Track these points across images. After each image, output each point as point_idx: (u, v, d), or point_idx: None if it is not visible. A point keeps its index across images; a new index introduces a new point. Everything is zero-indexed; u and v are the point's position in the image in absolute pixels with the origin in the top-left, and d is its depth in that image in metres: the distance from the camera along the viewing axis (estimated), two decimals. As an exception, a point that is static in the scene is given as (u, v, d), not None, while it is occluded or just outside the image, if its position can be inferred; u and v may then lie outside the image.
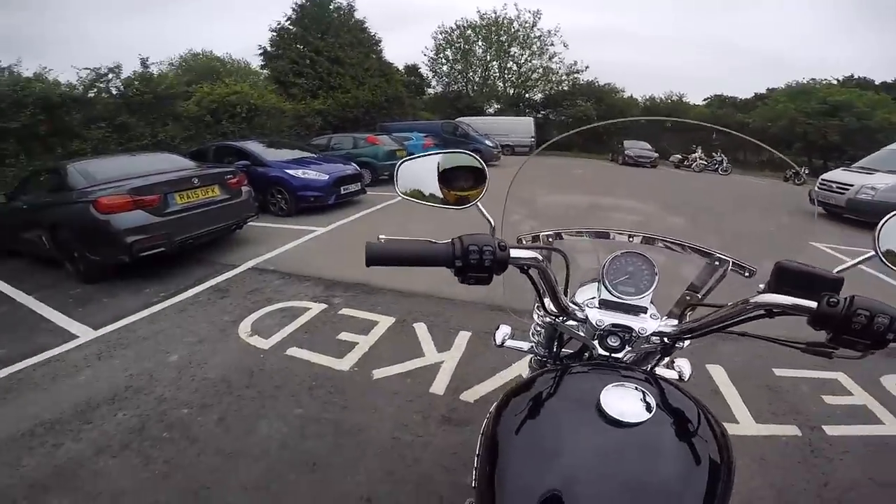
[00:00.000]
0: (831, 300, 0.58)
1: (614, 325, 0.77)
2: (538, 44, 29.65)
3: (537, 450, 0.56)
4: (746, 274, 0.91)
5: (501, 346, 1.02)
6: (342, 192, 6.84)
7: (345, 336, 2.94)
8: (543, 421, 0.60)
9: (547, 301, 0.79)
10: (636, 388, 0.59)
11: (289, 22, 19.70)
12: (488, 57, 30.36)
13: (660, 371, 0.92)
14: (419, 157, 0.88)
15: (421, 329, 3.04)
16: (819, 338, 0.63)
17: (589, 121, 22.54)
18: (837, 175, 8.89)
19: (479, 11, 29.81)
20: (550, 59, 29.68)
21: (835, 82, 26.65)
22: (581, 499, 0.49)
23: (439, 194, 0.85)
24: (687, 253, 0.97)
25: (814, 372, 2.59)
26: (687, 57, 63.26)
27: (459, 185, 0.84)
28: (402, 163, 0.87)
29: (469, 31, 29.96)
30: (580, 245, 1.04)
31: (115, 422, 2.13)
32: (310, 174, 6.53)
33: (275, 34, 19.75)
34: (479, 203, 0.82)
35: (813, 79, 26.45)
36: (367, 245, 0.66)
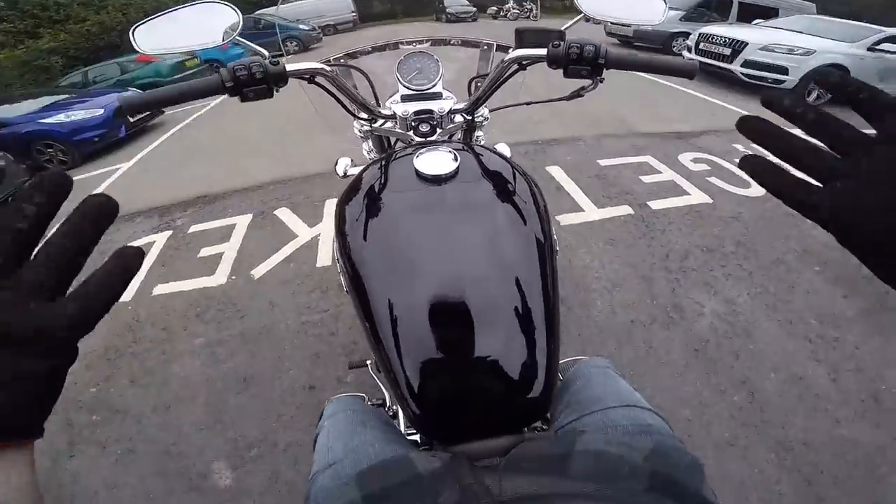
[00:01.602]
0: (555, 43, 0.70)
1: (418, 112, 0.86)
2: None
3: (385, 241, 0.57)
4: (509, 50, 1.02)
5: (345, 175, 1.04)
6: (132, 119, 5.74)
7: (206, 252, 2.65)
8: (382, 206, 0.62)
9: (357, 110, 0.86)
10: (449, 151, 0.64)
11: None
12: (286, -75, 25.92)
13: None
14: (156, 16, 0.79)
15: (284, 213, 2.90)
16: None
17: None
18: (625, 13, 10.33)
19: None
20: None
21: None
22: (431, 265, 0.53)
23: (190, 41, 0.78)
24: (466, 48, 1.08)
25: (628, 158, 3.23)
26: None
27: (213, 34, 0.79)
28: (137, 26, 0.77)
29: None
30: (381, 64, 1.08)
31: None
32: (78, 114, 5.27)
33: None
34: (237, 36, 0.79)
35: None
36: (120, 97, 0.67)
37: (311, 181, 3.25)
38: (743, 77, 5.68)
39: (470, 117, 0.92)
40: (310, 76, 0.74)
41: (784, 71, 5.37)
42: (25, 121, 5.15)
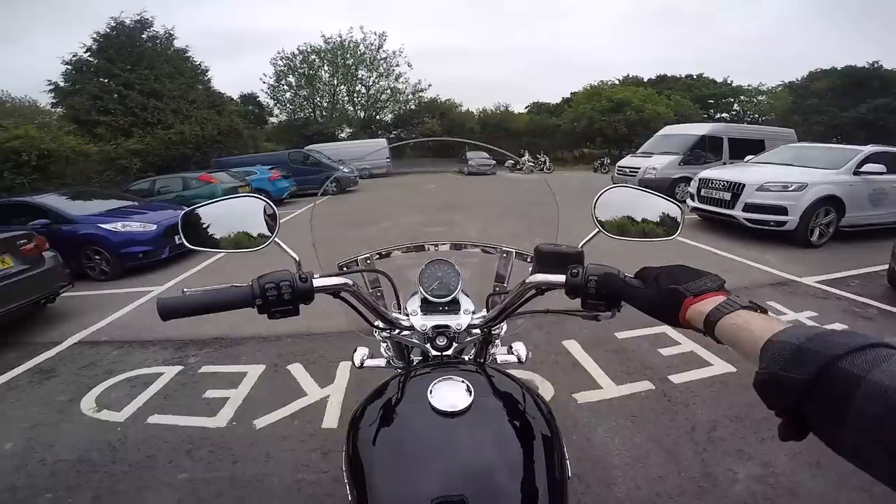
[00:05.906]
0: (573, 272, 0.66)
1: (436, 326, 0.85)
2: (384, 65, 30.60)
3: (393, 455, 0.61)
4: (528, 259, 1.05)
5: (361, 367, 1.03)
6: (177, 242, 5.65)
7: (211, 394, 2.63)
8: (394, 426, 0.65)
9: (374, 319, 0.85)
10: (462, 381, 0.66)
11: (88, 53, 16.88)
12: (336, 81, 30.18)
13: (500, 357, 1.04)
14: (204, 204, 0.85)
15: (297, 369, 2.88)
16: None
17: (436, 136, 24.05)
18: (628, 161, 11.35)
19: (323, 36, 29.81)
20: (397, 79, 30.86)
21: (616, 82, 33.37)
22: (435, 492, 0.54)
23: (232, 239, 0.84)
24: (486, 252, 1.11)
25: (644, 330, 3.11)
26: (510, 67, 73.02)
27: (252, 227, 0.85)
28: (186, 213, 0.83)
29: (313, 56, 29.44)
30: (405, 260, 1.12)
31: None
32: (132, 226, 5.49)
33: (70, 67, 16.67)
34: (276, 239, 0.82)
35: (602, 80, 32.67)
36: (159, 300, 0.65)
37: (329, 339, 3.24)
38: (746, 223, 5.60)
39: (488, 332, 0.93)
40: (335, 292, 0.74)
41: (783, 211, 5.29)
42: (88, 222, 5.40)
